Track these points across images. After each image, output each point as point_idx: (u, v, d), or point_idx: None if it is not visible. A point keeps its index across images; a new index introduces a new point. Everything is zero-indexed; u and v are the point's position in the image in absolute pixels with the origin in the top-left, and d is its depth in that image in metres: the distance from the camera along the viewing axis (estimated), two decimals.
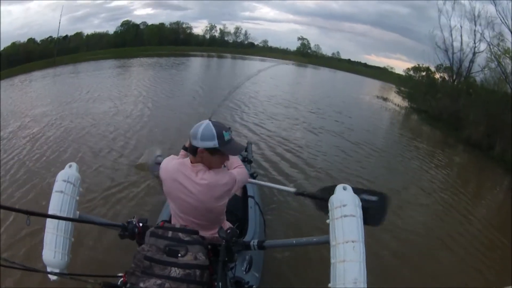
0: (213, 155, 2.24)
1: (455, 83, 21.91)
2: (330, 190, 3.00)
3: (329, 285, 1.83)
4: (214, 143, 2.19)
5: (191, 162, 2.30)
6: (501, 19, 16.51)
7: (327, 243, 1.97)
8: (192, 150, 2.25)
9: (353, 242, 1.85)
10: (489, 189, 9.53)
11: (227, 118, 10.79)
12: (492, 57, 17.50)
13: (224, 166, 2.58)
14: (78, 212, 2.29)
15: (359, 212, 1.94)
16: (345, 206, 1.94)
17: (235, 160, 2.70)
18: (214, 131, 2.19)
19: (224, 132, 2.23)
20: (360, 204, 1.99)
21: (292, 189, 3.48)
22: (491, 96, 15.44)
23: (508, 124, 12.03)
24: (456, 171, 10.41)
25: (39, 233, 2.23)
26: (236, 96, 15.64)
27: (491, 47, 17.77)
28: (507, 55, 16.19)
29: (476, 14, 19.68)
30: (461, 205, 7.10)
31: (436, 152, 11.88)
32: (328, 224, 1.99)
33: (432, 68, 25.09)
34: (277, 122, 11.60)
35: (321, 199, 3.00)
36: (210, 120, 2.25)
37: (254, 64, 44.82)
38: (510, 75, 15.74)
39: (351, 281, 1.76)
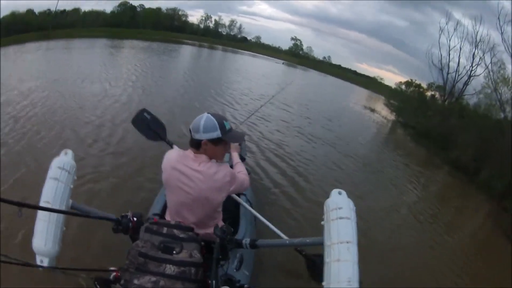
0: (216, 145, 2.27)
1: (446, 102, 22.16)
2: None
3: (323, 283, 1.86)
4: (217, 133, 2.22)
5: (194, 153, 2.30)
6: (505, 48, 16.67)
7: (321, 244, 2.00)
8: (195, 144, 2.27)
9: (347, 243, 1.88)
10: (471, 213, 9.59)
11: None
12: (490, 83, 17.69)
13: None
14: (71, 201, 2.24)
15: (353, 216, 1.98)
16: (340, 209, 1.98)
17: (239, 166, 2.71)
18: (215, 121, 2.22)
19: (224, 122, 2.27)
20: (354, 208, 2.03)
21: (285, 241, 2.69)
22: (485, 121, 15.49)
23: (498, 150, 12.15)
24: (440, 193, 10.50)
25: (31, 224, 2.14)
26: (227, 91, 15.74)
27: (491, 73, 17.94)
28: (505, 83, 16.41)
29: (478, 38, 19.78)
30: (441, 225, 7.22)
31: (422, 171, 11.90)
32: (322, 226, 2.02)
33: (424, 85, 25.17)
34: (269, 124, 11.55)
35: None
36: (208, 112, 2.27)
37: (245, 59, 44.92)
38: (508, 104, 15.94)
39: (345, 281, 1.79)
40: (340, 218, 1.94)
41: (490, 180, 11.20)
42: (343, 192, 2.07)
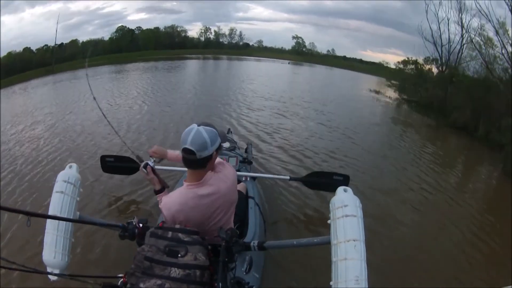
0: (217, 151, 2.18)
1: (446, 73, 21.91)
2: (317, 175, 5.08)
3: (331, 283, 1.85)
4: (219, 140, 2.16)
5: (196, 180, 2.19)
6: (480, 11, 16.59)
7: (328, 243, 1.99)
8: (201, 163, 2.13)
9: (354, 241, 1.87)
10: (478, 168, 10.07)
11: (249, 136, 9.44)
12: (474, 46, 17.87)
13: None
14: (78, 213, 2.29)
15: (359, 213, 1.98)
16: (346, 206, 1.98)
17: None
18: (213, 130, 2.13)
19: (214, 126, 2.19)
20: (361, 205, 2.03)
21: (287, 177, 5.03)
22: (473, 82, 16.31)
23: (490, 108, 12.84)
24: (446, 153, 10.72)
25: (40, 233, 2.22)
26: (239, 97, 15.75)
27: (472, 37, 18.15)
28: (488, 44, 16.51)
29: (462, 6, 19.60)
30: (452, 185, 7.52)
31: (426, 137, 12.68)
32: (329, 225, 2.01)
33: (421, 61, 24.87)
34: (286, 121, 11.68)
35: (311, 181, 4.97)
36: (198, 125, 2.12)
37: (251, 65, 44.72)
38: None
39: (353, 279, 1.79)
40: (346, 216, 1.95)
41: (488, 135, 11.98)
42: (349, 189, 2.08)
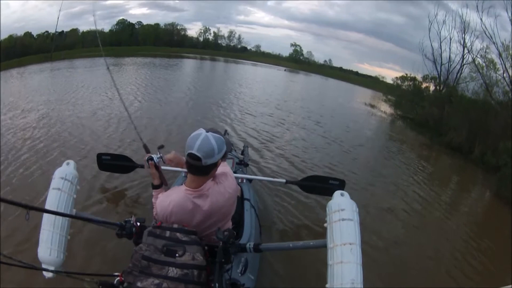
0: (222, 159, 2.12)
1: (443, 92, 22.00)
2: (313, 179, 5.08)
3: (326, 285, 1.86)
4: (225, 148, 2.09)
5: (196, 187, 2.13)
6: (485, 32, 16.87)
7: (324, 247, 2.00)
8: (204, 170, 2.07)
9: (350, 244, 1.88)
10: (472, 189, 10.09)
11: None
12: (477, 69, 17.95)
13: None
14: (75, 210, 2.26)
15: (356, 217, 1.99)
16: (343, 210, 1.99)
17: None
18: (221, 138, 2.07)
19: (221, 133, 2.14)
20: (357, 209, 2.04)
21: (282, 180, 5.08)
22: (472, 104, 16.16)
23: (487, 130, 12.90)
24: (441, 173, 10.82)
25: (34, 226, 2.17)
26: (239, 102, 15.70)
27: (474, 58, 18.43)
28: (490, 67, 16.71)
29: (465, 26, 19.92)
30: (444, 205, 7.48)
31: (420, 156, 12.59)
32: (326, 228, 2.02)
33: (419, 78, 25.05)
34: (286, 132, 11.58)
35: (307, 185, 4.99)
36: (206, 131, 2.05)
37: (246, 69, 44.82)
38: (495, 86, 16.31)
39: (349, 282, 1.79)
40: (343, 219, 1.96)
41: (483, 157, 11.93)
42: (346, 194, 2.09)
